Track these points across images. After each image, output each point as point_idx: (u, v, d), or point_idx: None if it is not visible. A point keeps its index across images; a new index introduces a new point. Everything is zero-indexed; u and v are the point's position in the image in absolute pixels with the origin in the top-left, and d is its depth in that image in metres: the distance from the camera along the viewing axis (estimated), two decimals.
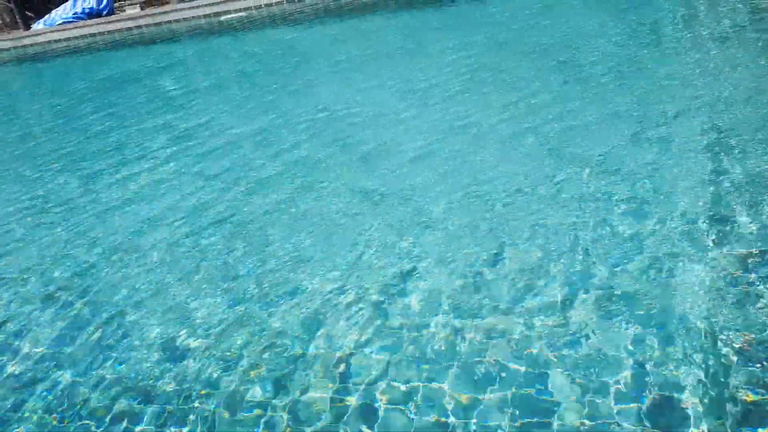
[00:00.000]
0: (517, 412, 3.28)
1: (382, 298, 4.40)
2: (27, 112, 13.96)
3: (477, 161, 6.37)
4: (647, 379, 3.31)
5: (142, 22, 24.12)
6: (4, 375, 4.37)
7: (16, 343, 4.72)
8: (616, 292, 4.02)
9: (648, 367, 3.38)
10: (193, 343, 4.30)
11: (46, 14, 27.32)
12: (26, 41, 25.35)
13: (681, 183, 5.16)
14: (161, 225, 6.24)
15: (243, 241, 5.59)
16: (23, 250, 6.27)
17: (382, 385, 3.62)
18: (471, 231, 5.05)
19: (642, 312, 3.80)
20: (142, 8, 26.20)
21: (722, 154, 5.50)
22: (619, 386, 3.29)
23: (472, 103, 8.15)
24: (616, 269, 4.24)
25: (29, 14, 28.15)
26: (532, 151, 6.35)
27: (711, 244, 4.30)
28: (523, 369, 3.54)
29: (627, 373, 3.36)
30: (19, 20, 27.58)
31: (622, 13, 11.82)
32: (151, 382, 4.00)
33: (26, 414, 3.94)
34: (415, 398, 3.49)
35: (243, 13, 22.19)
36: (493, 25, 13.54)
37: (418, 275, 4.59)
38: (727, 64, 7.76)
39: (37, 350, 4.57)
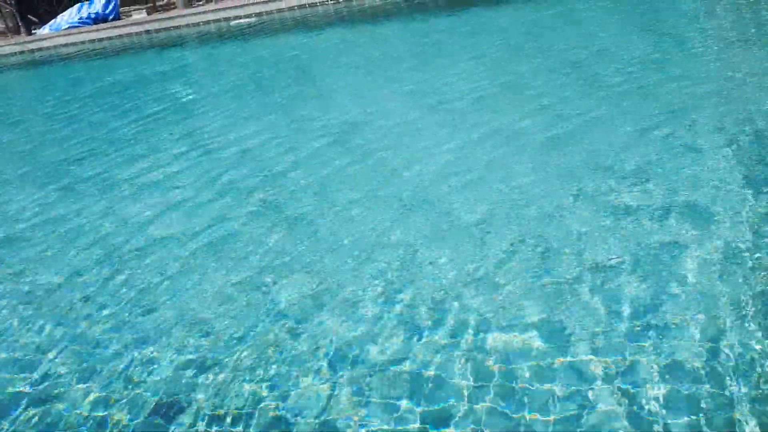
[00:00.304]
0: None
1: (407, 308, 4.25)
2: (33, 116, 13.85)
3: (498, 166, 6.20)
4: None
5: (149, 26, 24.08)
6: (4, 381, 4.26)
7: (19, 348, 4.59)
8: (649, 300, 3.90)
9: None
10: (210, 350, 4.17)
11: (50, 19, 27.29)
12: (32, 46, 25.26)
13: (712, 190, 4.99)
14: (170, 230, 6.07)
15: (257, 248, 5.39)
16: (30, 254, 6.13)
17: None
18: (490, 238, 4.91)
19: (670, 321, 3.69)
20: (148, 13, 26.17)
21: (755, 159, 5.37)
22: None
23: (490, 108, 7.99)
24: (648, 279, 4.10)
25: (33, 19, 28.07)
26: (551, 156, 6.18)
27: (746, 254, 4.16)
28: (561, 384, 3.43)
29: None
30: (20, 24, 27.42)
31: (641, 17, 11.86)
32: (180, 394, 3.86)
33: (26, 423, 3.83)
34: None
35: (253, 18, 22.17)
36: (505, 30, 13.48)
37: (441, 287, 4.40)
38: (751, 68, 7.67)
39: (44, 355, 4.45)
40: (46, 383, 4.15)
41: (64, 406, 3.90)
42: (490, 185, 5.83)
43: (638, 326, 3.67)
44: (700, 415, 3.03)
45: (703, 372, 3.27)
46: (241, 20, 22.20)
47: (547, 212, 5.13)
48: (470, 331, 3.89)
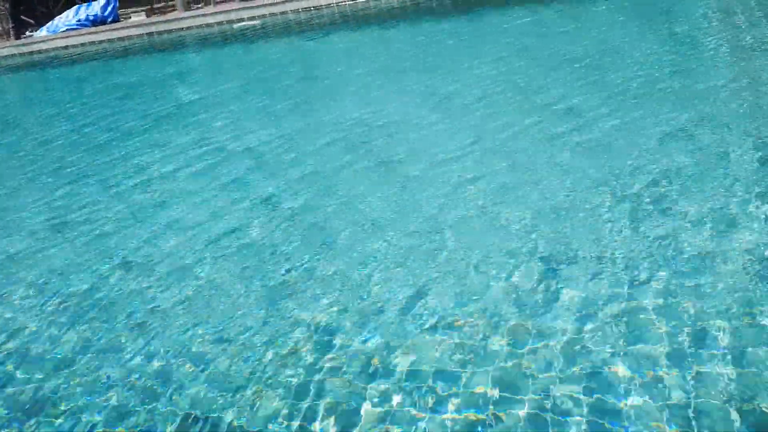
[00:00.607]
0: None
1: (405, 310, 4.26)
2: (34, 120, 13.69)
3: (506, 170, 6.20)
4: None
5: (148, 29, 24.05)
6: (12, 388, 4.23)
7: (26, 355, 4.54)
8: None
9: None
10: (217, 352, 4.17)
11: (47, 21, 27.10)
12: (31, 48, 25.10)
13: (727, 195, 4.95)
14: (175, 235, 6.01)
15: (260, 252, 5.36)
16: (34, 258, 6.10)
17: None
18: (498, 241, 4.90)
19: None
20: (147, 15, 26.13)
21: None
22: None
23: (499, 112, 7.98)
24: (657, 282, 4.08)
25: (29, 21, 27.84)
26: (561, 160, 6.19)
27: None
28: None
29: None
30: (11, 27, 27.00)
31: (642, 17, 12.03)
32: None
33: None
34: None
35: (256, 21, 22.23)
36: (513, 33, 13.54)
37: (440, 290, 4.39)
38: (761, 71, 7.73)
39: (50, 362, 4.40)
40: (54, 387, 4.13)
41: (62, 411, 3.88)
42: (504, 183, 5.90)
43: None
44: None
45: None
46: (245, 23, 22.27)
47: (558, 210, 5.17)
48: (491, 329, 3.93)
